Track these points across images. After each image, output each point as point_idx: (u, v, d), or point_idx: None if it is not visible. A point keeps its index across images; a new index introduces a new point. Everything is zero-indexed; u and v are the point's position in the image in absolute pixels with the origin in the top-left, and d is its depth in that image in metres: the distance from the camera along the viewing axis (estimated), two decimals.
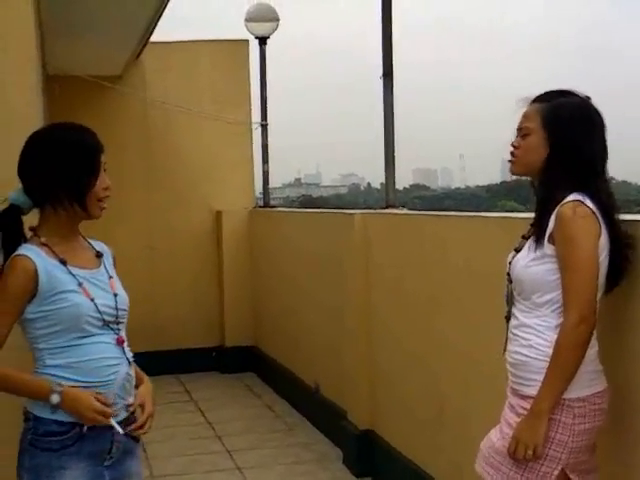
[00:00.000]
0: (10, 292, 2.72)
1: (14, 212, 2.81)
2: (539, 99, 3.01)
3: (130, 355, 2.91)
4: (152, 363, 3.11)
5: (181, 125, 9.32)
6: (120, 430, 2.77)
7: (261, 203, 9.79)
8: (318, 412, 7.09)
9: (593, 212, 2.82)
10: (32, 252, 2.75)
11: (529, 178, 3.09)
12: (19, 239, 2.80)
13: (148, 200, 9.22)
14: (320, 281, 7.07)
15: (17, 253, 2.74)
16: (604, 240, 2.84)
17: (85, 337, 2.77)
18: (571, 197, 2.83)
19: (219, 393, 8.53)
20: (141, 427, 2.90)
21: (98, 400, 2.74)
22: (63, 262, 2.78)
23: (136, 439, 2.97)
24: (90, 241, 3.00)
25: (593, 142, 2.93)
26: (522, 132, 3.00)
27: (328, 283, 6.77)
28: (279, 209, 9.64)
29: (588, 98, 2.99)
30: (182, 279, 9.41)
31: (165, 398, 8.05)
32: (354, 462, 5.96)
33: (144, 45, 8.28)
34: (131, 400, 2.89)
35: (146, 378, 3.06)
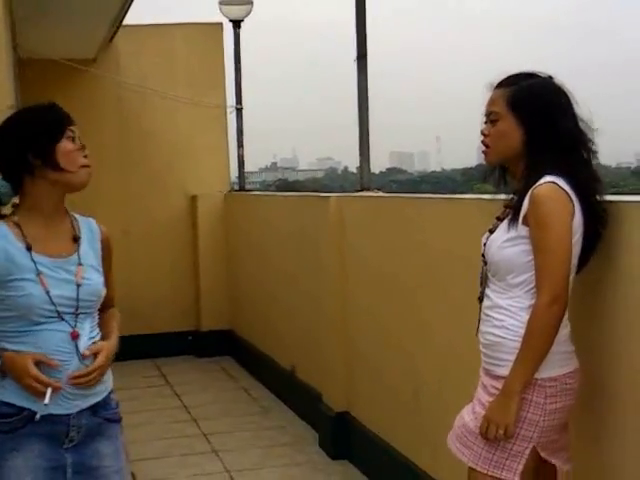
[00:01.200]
0: None
1: None
2: (502, 84, 3.01)
3: (85, 346, 2.79)
4: (128, 347, 3.08)
5: (156, 108, 9.28)
6: (47, 399, 2.66)
7: (237, 187, 9.77)
8: (294, 395, 7.11)
9: (567, 193, 2.82)
10: None
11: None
12: None
13: (123, 184, 9.18)
14: (297, 264, 7.07)
15: None
16: (578, 221, 2.85)
17: (38, 325, 2.72)
18: (545, 179, 2.84)
19: (195, 377, 8.53)
20: (86, 376, 2.76)
21: (40, 362, 2.68)
22: (28, 247, 2.73)
23: (114, 420, 2.92)
24: (78, 218, 2.95)
25: (565, 117, 2.93)
26: (490, 118, 3.00)
27: (305, 266, 6.77)
28: (254, 192, 9.63)
29: (550, 77, 3.00)
30: (158, 263, 9.38)
31: (141, 382, 8.05)
32: (330, 445, 5.98)
33: (117, 28, 8.22)
34: (89, 392, 2.81)
35: (114, 335, 2.95)
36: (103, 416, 2.88)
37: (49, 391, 2.68)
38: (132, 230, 9.23)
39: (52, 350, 2.73)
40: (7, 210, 2.84)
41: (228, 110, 9.56)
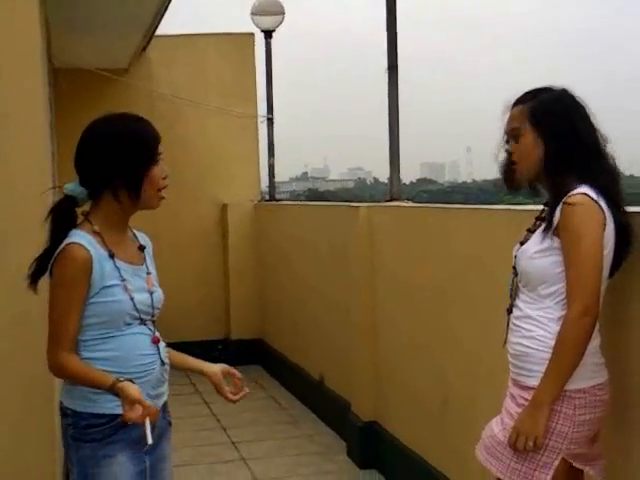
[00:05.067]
0: (74, 284, 2.69)
1: (69, 203, 2.80)
2: (520, 101, 3.04)
3: (165, 354, 2.92)
4: None
5: (187, 118, 9.34)
6: (149, 439, 2.65)
7: (267, 197, 9.80)
8: (323, 404, 7.12)
9: (598, 204, 2.82)
10: (86, 241, 2.73)
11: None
12: (69, 231, 2.76)
13: None
14: (326, 274, 7.09)
15: (72, 240, 2.71)
16: (609, 231, 2.85)
17: (120, 330, 2.77)
18: (576, 190, 2.84)
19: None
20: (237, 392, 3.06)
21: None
22: (111, 255, 2.77)
23: (170, 422, 3.04)
24: (136, 232, 3.00)
25: (586, 126, 2.96)
26: (512, 135, 3.01)
27: (334, 276, 6.79)
28: (284, 202, 9.65)
29: (565, 90, 3.02)
30: (188, 272, 9.43)
31: (171, 390, 8.04)
32: (358, 454, 5.99)
33: (150, 38, 8.29)
34: (163, 389, 2.94)
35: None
36: (166, 417, 2.99)
37: (148, 428, 2.65)
38: (162, 238, 9.28)
39: (136, 352, 2.79)
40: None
41: (259, 120, 9.60)
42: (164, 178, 2.86)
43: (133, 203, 2.82)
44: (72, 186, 2.81)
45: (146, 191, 2.81)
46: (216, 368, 3.12)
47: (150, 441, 2.65)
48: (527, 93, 3.04)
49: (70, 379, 2.80)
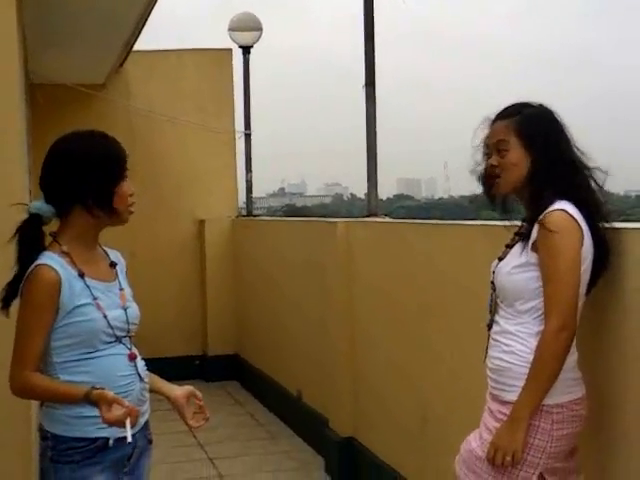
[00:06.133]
0: (40, 306, 2.68)
1: (35, 222, 2.76)
2: (502, 116, 3.04)
3: (143, 370, 2.90)
4: None
5: (165, 133, 9.33)
6: (130, 438, 2.61)
7: (244, 212, 9.80)
8: (300, 420, 7.10)
9: (576, 220, 2.84)
10: (55, 262, 2.70)
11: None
12: (38, 251, 2.73)
13: None
14: (303, 289, 7.08)
15: (41, 262, 2.69)
16: (587, 248, 2.86)
17: (97, 351, 2.74)
18: (554, 206, 2.85)
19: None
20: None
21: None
22: (81, 274, 2.75)
23: (151, 440, 3.00)
24: (106, 249, 2.98)
25: (567, 141, 2.98)
26: (497, 148, 3.00)
27: (311, 291, 6.78)
28: (262, 218, 9.65)
29: (542, 105, 3.04)
30: (165, 287, 9.39)
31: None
32: (336, 470, 5.97)
33: (127, 53, 8.28)
34: (145, 408, 2.90)
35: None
36: (147, 436, 2.97)
37: (129, 427, 2.61)
38: (139, 253, 9.24)
39: (115, 374, 2.76)
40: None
41: (237, 135, 9.61)
42: (131, 195, 2.86)
43: (106, 218, 2.81)
44: (38, 204, 2.78)
45: (116, 208, 2.81)
46: (178, 392, 3.08)
47: (130, 439, 2.61)
48: (508, 108, 3.05)
49: (37, 397, 2.77)
